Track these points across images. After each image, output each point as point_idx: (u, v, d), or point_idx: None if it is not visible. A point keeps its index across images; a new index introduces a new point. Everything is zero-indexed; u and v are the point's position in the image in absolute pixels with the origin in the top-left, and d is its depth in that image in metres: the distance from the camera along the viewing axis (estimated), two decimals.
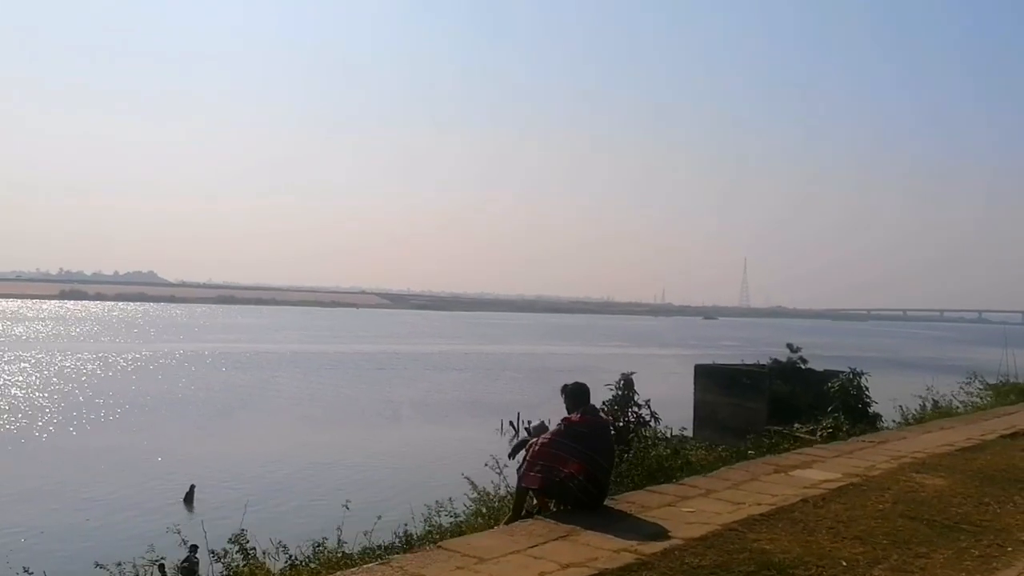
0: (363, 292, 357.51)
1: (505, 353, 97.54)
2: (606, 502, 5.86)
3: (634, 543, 4.84)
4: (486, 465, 9.28)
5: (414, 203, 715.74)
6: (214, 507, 26.89)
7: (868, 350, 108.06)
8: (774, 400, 29.26)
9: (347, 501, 8.65)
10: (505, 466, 7.73)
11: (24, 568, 8.32)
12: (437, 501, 10.05)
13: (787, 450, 9.14)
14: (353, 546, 7.41)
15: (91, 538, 23.20)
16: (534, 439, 5.88)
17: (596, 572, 4.33)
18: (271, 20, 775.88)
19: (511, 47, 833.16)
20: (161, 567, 9.05)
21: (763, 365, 33.38)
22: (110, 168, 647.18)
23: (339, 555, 6.60)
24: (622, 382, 14.35)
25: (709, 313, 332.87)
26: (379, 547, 7.01)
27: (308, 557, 7.22)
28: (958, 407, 15.15)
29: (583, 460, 5.56)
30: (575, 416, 5.85)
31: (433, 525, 8.82)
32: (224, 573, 7.24)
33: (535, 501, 5.91)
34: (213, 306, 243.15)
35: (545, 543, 4.84)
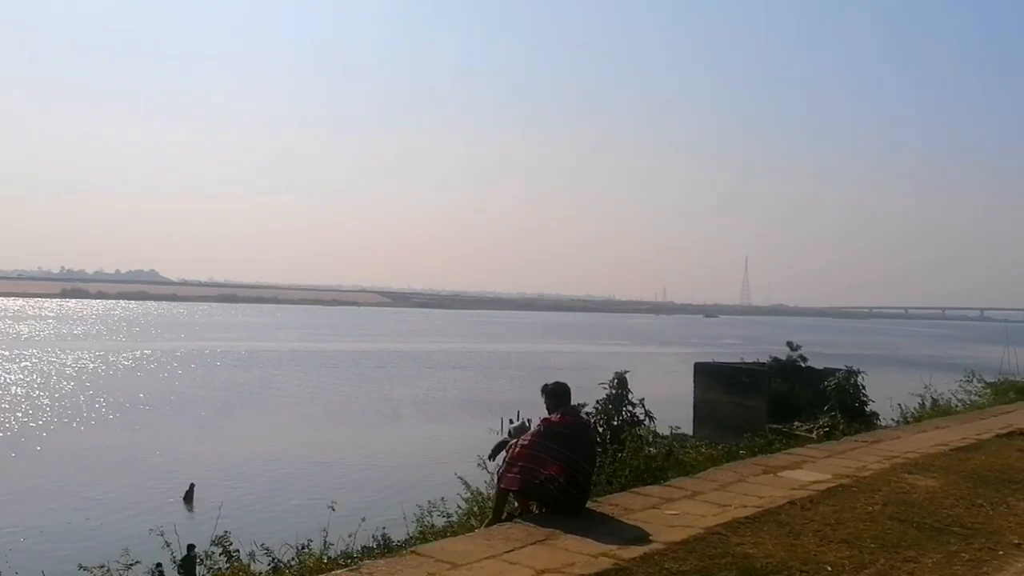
0: (364, 290, 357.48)
1: (506, 351, 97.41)
2: (588, 504, 5.75)
3: (614, 547, 4.73)
4: (478, 465, 9.18)
5: (415, 202, 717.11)
6: (214, 506, 26.77)
7: (868, 348, 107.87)
8: (774, 398, 29.13)
9: (333, 502, 8.49)
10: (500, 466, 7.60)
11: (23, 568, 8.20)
12: (430, 501, 9.95)
13: (779, 450, 9.02)
14: (338, 549, 7.28)
15: (91, 537, 23.10)
16: (514, 440, 5.76)
17: None
18: (272, 19, 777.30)
19: (512, 46, 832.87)
20: (159, 568, 8.96)
21: (763, 363, 33.23)
22: (112, 167, 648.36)
23: (317, 559, 6.47)
24: (616, 381, 14.25)
25: (710, 311, 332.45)
26: (358, 551, 6.88)
27: (290, 560, 7.10)
28: (956, 406, 15.04)
29: (563, 462, 5.44)
30: (555, 417, 5.73)
31: (425, 525, 8.72)
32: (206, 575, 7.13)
33: (516, 504, 5.81)
34: (214, 305, 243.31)
35: (522, 547, 4.73)
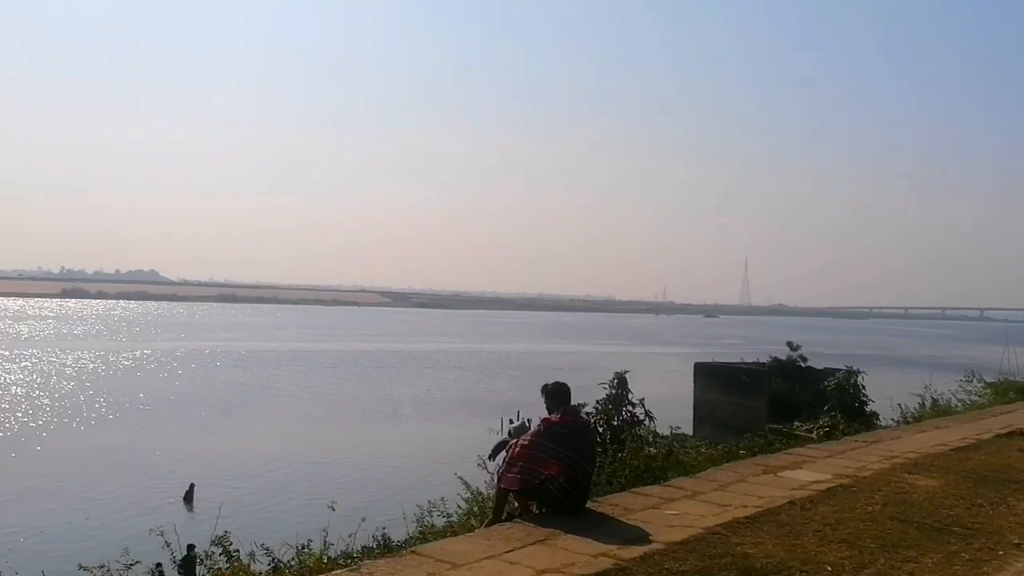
0: (364, 291, 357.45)
1: (506, 351, 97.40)
2: (588, 504, 5.75)
3: (614, 547, 4.73)
4: (478, 465, 9.18)
5: (415, 201, 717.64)
6: (214, 506, 26.77)
7: (868, 348, 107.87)
8: (774, 398, 29.13)
9: (333, 502, 8.49)
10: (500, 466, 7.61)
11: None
12: (430, 501, 9.95)
13: (779, 450, 9.01)
14: (338, 549, 7.28)
15: (91, 537, 23.09)
16: (514, 440, 5.76)
17: None
18: (271, 19, 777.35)
19: (512, 46, 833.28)
20: (159, 568, 8.96)
21: (763, 363, 33.23)
22: (112, 167, 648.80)
23: (317, 559, 6.47)
24: (616, 381, 14.25)
25: (710, 311, 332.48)
26: (358, 551, 6.88)
27: (290, 560, 7.10)
28: (957, 406, 15.04)
29: (563, 462, 5.44)
30: (555, 417, 5.73)
31: (425, 525, 8.72)
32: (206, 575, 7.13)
33: (516, 504, 5.81)
34: (214, 305, 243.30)
35: (522, 547, 4.73)
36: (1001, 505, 6.40)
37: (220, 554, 7.14)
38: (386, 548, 6.64)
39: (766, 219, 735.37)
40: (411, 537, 7.10)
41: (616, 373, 14.49)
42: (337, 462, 34.12)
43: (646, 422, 13.77)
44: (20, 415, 43.81)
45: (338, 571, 4.62)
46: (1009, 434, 9.80)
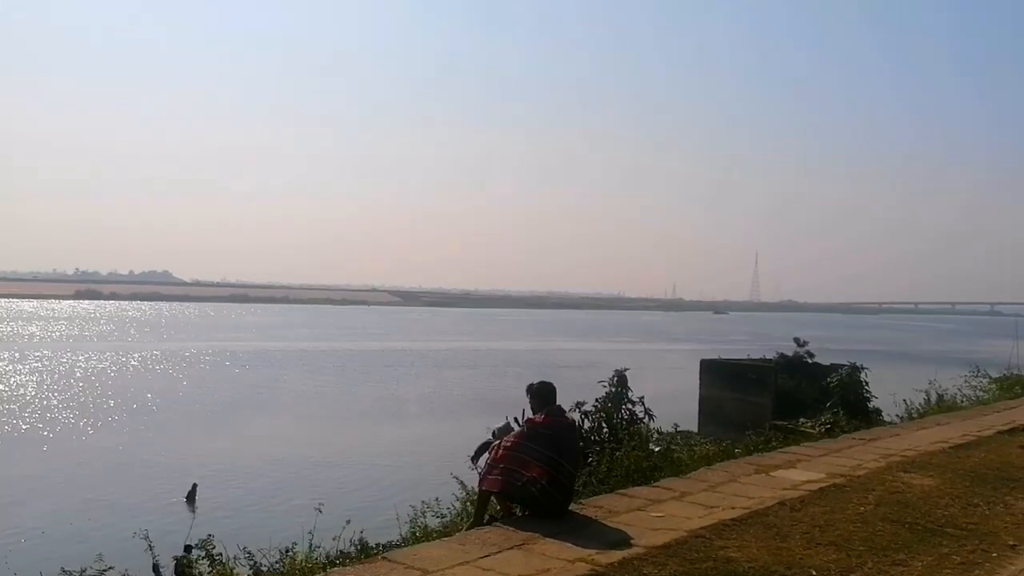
0: (374, 290, 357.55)
1: (515, 349, 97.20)
2: (572, 506, 5.63)
3: (592, 552, 4.60)
4: (469, 467, 9.09)
5: (425, 200, 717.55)
6: (216, 506, 26.81)
7: (876, 343, 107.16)
8: (780, 395, 28.99)
9: (320, 504, 8.39)
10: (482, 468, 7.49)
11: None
12: (423, 501, 9.86)
13: (775, 448, 8.87)
14: (323, 552, 7.18)
15: (90, 539, 23.03)
16: (497, 441, 5.65)
17: None
18: (288, 22, 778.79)
19: (511, 44, 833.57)
20: (155, 568, 8.90)
21: (769, 360, 33.07)
22: (125, 168, 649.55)
23: (301, 565, 6.37)
24: (615, 379, 14.12)
25: (720, 308, 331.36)
26: (336, 556, 6.77)
27: (275, 563, 7.01)
28: (962, 401, 14.85)
29: (546, 463, 5.32)
30: (539, 417, 5.61)
31: (418, 526, 8.62)
32: None
33: (499, 506, 5.70)
34: (226, 304, 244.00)
35: (498, 552, 4.61)
36: (998, 505, 6.25)
37: (203, 558, 7.06)
38: (363, 552, 6.52)
39: (777, 214, 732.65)
40: (389, 541, 6.99)
41: (616, 371, 14.35)
42: (341, 462, 34.03)
43: (646, 420, 13.64)
44: (28, 416, 43.99)
45: None
46: (1011, 430, 9.63)
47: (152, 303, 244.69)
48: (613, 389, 13.98)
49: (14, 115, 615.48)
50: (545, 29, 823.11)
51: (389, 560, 4.43)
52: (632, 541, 4.87)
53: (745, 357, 36.97)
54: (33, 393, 52.58)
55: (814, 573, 4.51)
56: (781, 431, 13.70)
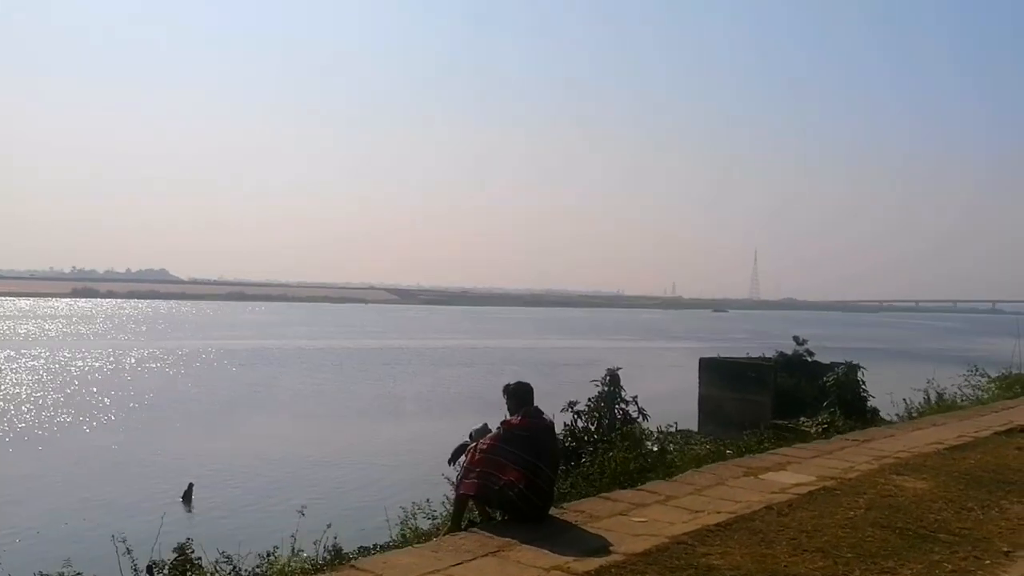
0: (372, 288, 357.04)
1: (512, 347, 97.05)
2: (553, 510, 5.45)
3: (569, 560, 4.42)
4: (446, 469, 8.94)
5: (423, 199, 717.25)
6: (212, 506, 26.67)
7: (876, 341, 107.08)
8: (779, 393, 28.82)
9: (303, 507, 8.21)
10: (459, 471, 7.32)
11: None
12: (414, 503, 9.71)
13: (767, 449, 8.69)
14: (304, 556, 7.01)
15: (85, 539, 22.84)
16: (474, 443, 5.47)
17: None
18: (288, 20, 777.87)
19: (511, 44, 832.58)
20: (149, 569, 8.75)
21: (768, 358, 32.91)
22: (125, 168, 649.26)
23: (275, 571, 6.21)
24: (608, 378, 13.94)
25: (719, 306, 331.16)
26: (307, 563, 6.60)
27: (255, 568, 6.84)
28: (960, 400, 14.68)
29: (523, 467, 5.14)
30: (515, 419, 5.43)
31: (408, 528, 8.47)
32: None
33: (477, 511, 5.52)
34: (223, 303, 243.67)
35: (472, 560, 4.43)
36: (993, 509, 6.06)
37: (179, 559, 6.89)
38: (338, 559, 6.35)
39: (776, 212, 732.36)
40: (366, 547, 6.82)
41: (608, 370, 14.18)
42: (339, 461, 33.86)
43: (639, 420, 13.46)
44: (25, 415, 43.83)
45: None
46: (1009, 431, 9.44)
47: (149, 301, 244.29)
48: (606, 388, 13.80)
49: (14, 115, 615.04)
50: (545, 29, 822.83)
51: (356, 568, 4.26)
52: (611, 548, 4.69)
53: (744, 355, 36.79)
54: (30, 391, 52.41)
55: None
56: (780, 430, 13.55)
